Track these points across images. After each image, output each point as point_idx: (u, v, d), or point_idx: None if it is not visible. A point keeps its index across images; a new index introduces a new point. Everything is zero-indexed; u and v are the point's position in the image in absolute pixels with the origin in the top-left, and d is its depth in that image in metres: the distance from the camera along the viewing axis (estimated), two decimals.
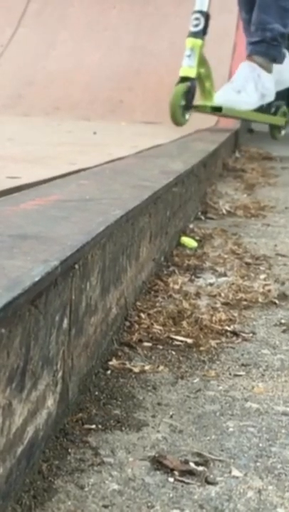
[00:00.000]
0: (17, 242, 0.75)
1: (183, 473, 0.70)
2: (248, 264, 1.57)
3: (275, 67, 4.08)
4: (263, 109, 4.06)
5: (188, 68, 3.64)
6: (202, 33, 3.66)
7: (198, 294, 1.30)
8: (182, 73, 3.64)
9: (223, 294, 1.31)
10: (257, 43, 3.94)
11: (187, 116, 3.61)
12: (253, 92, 3.88)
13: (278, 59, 3.99)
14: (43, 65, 5.14)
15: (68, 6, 5.54)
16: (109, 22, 5.40)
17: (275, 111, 4.32)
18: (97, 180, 1.34)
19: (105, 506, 0.63)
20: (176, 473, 0.70)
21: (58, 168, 1.46)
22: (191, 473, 0.70)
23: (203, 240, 1.78)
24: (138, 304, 1.19)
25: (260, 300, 1.30)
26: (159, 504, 0.64)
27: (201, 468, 0.71)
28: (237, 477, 0.70)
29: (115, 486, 0.67)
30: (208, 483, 0.69)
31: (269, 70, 3.98)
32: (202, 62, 3.73)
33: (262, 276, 1.47)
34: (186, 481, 0.68)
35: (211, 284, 1.39)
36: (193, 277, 1.43)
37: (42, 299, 0.65)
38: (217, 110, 3.77)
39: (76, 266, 0.77)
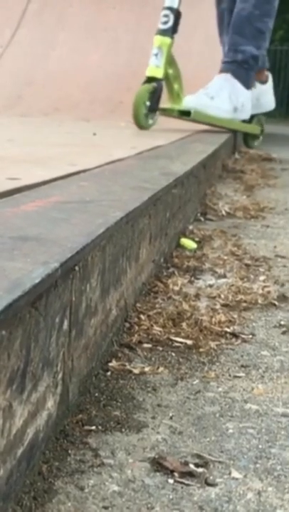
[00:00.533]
0: (17, 243, 0.75)
1: (183, 474, 0.70)
2: (247, 265, 1.57)
3: (256, 87, 3.94)
4: None
5: (155, 68, 3.45)
6: (171, 31, 3.46)
7: (197, 296, 1.30)
8: (148, 73, 3.47)
9: (222, 296, 1.31)
10: (228, 63, 3.81)
11: (152, 120, 3.43)
12: (226, 100, 3.69)
13: (246, 83, 3.79)
14: (43, 66, 5.15)
15: (67, 6, 5.54)
16: (108, 22, 5.40)
17: (250, 119, 4.11)
18: (97, 182, 1.34)
19: (105, 507, 0.63)
20: (176, 474, 0.70)
21: (58, 169, 1.46)
22: (190, 474, 0.70)
23: (203, 242, 1.78)
24: (138, 305, 1.19)
25: (259, 301, 1.30)
26: (159, 505, 0.64)
27: (200, 469, 0.71)
28: (237, 478, 0.70)
29: (115, 488, 0.67)
30: (208, 484, 0.69)
31: (246, 86, 3.80)
32: (171, 62, 3.56)
33: (261, 278, 1.47)
34: (186, 482, 0.69)
35: (210, 286, 1.39)
36: (192, 279, 1.43)
37: (42, 301, 0.65)
38: (185, 114, 3.58)
39: (76, 268, 0.77)
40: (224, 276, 1.46)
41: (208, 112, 3.63)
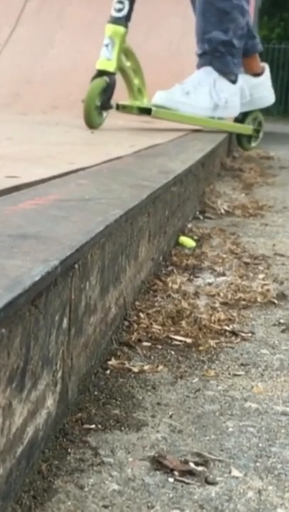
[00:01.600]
0: (17, 241, 0.75)
1: (183, 473, 0.70)
2: (246, 263, 1.57)
3: (249, 81, 3.49)
4: None
5: (106, 61, 3.05)
6: (125, 19, 3.06)
7: (197, 294, 1.30)
8: (98, 66, 3.08)
9: (222, 294, 1.31)
10: (201, 56, 3.40)
11: (103, 117, 3.06)
12: (205, 96, 3.26)
13: (224, 71, 3.32)
14: (41, 64, 5.14)
15: (66, 4, 5.53)
16: (107, 21, 5.39)
17: (243, 117, 3.62)
18: (96, 180, 1.34)
19: (105, 506, 0.63)
20: (176, 473, 0.69)
21: (57, 167, 1.46)
22: (191, 473, 0.70)
23: (202, 240, 1.78)
24: (137, 303, 1.19)
25: (258, 300, 1.30)
26: (159, 504, 0.64)
27: (200, 468, 0.71)
28: (237, 477, 0.70)
29: (115, 486, 0.66)
30: (208, 483, 0.68)
31: (231, 79, 3.36)
32: (128, 54, 3.16)
33: (260, 276, 1.47)
34: (186, 481, 0.68)
35: (209, 284, 1.39)
36: (192, 277, 1.43)
37: (42, 299, 0.65)
38: (146, 112, 3.19)
39: (76, 266, 0.77)
40: (223, 275, 1.46)
41: (180, 110, 3.22)
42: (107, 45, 3.05)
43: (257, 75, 3.60)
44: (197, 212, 2.16)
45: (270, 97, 3.68)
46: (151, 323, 1.11)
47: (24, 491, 0.63)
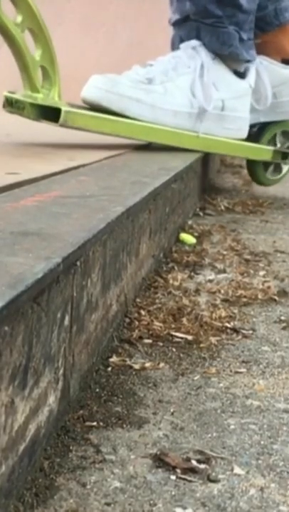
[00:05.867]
0: (18, 238, 0.74)
1: (185, 470, 0.69)
2: (247, 260, 1.57)
3: (274, 71, 2.02)
4: None
5: None
6: None
7: (197, 291, 1.30)
8: None
9: (222, 291, 1.31)
10: (179, 25, 2.04)
11: None
12: (182, 91, 1.88)
13: (222, 51, 1.88)
14: None
15: (65, 2, 5.52)
16: (106, 18, 5.39)
17: (258, 132, 2.18)
18: (97, 177, 1.33)
19: (107, 504, 0.63)
20: (178, 470, 0.69)
21: (57, 163, 1.46)
22: (193, 470, 0.70)
23: (202, 237, 1.78)
24: (138, 300, 1.19)
25: (259, 297, 1.30)
26: (161, 502, 0.64)
27: (203, 465, 0.71)
28: (239, 475, 0.70)
29: (117, 484, 0.66)
30: (211, 480, 0.68)
31: (235, 68, 1.94)
32: (18, 2, 1.74)
33: (261, 273, 1.47)
34: (189, 478, 0.68)
35: (210, 281, 1.38)
36: (192, 274, 1.43)
37: (44, 296, 0.65)
38: (51, 117, 1.84)
39: (78, 263, 0.77)
40: (224, 272, 1.46)
41: (128, 111, 1.86)
42: None
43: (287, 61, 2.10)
44: (197, 209, 2.16)
45: None
46: (152, 320, 1.11)
47: (26, 488, 0.63)
